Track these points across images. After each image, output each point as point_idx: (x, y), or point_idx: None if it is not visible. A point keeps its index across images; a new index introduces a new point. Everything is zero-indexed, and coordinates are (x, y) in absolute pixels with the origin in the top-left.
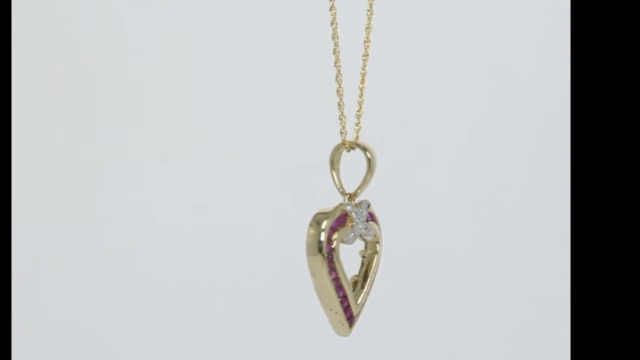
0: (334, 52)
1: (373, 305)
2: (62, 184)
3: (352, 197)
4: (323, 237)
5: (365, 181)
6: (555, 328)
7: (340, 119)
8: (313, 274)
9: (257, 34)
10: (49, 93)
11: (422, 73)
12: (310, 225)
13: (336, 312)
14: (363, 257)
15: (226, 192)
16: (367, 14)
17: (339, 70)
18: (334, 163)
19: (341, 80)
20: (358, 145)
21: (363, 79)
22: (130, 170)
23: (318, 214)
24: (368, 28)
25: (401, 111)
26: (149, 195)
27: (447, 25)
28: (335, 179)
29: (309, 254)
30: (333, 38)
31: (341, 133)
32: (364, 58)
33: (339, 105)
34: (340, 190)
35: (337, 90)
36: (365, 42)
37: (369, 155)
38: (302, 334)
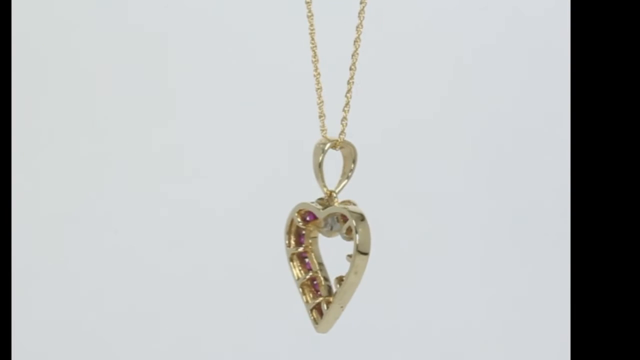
0: (313, 56)
1: (373, 305)
2: (62, 184)
3: (333, 194)
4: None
5: (339, 182)
6: (555, 328)
7: (318, 104)
8: (355, 272)
9: (244, 34)
10: (49, 93)
11: (417, 69)
12: (363, 222)
13: (343, 309)
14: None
15: (226, 191)
16: (359, 16)
17: (316, 68)
18: (314, 158)
19: (319, 77)
20: (334, 142)
21: (352, 75)
22: (131, 170)
23: (361, 213)
24: (359, 28)
25: (399, 108)
26: (149, 195)
27: (443, 20)
28: (323, 177)
29: (365, 252)
30: (311, 43)
31: (322, 130)
32: (354, 56)
33: (318, 103)
34: (325, 188)
35: (316, 90)
36: (355, 41)
37: (343, 153)
38: (299, 333)
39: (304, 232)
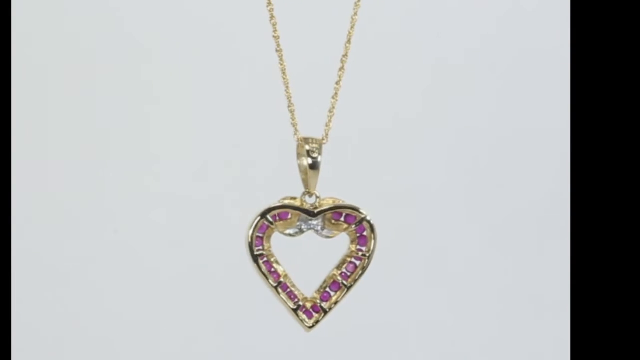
0: (277, 50)
1: (372, 305)
2: (62, 183)
3: (309, 194)
4: None
5: (308, 181)
6: (555, 328)
7: (288, 108)
8: (370, 267)
9: (223, 30)
10: (49, 92)
11: (411, 67)
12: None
13: None
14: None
15: (226, 190)
16: (351, 18)
17: (283, 67)
18: (297, 158)
19: (285, 72)
20: (301, 142)
21: (340, 79)
22: (131, 170)
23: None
24: (351, 32)
25: (399, 108)
26: (149, 195)
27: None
28: (300, 173)
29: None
30: (276, 40)
31: (292, 125)
32: (343, 59)
33: (285, 92)
34: (310, 188)
35: (284, 81)
36: (346, 44)
37: (301, 151)
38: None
39: (261, 235)
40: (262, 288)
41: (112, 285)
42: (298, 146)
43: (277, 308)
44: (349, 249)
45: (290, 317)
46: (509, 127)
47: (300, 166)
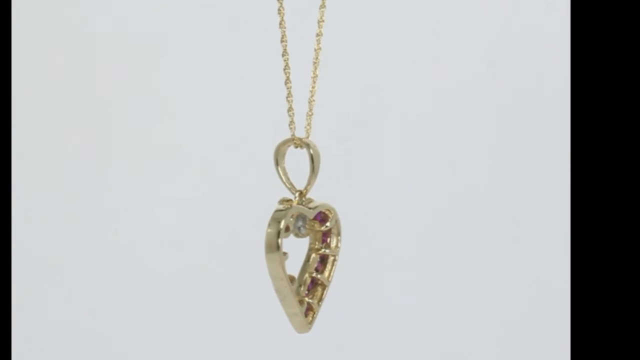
0: (283, 55)
1: (371, 305)
2: (63, 183)
3: (302, 194)
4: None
5: (309, 181)
6: (555, 328)
7: (288, 111)
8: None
9: (216, 30)
10: (50, 92)
11: (410, 64)
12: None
13: None
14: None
15: (224, 190)
16: (318, 24)
17: (287, 63)
18: (279, 159)
19: (289, 73)
20: (303, 142)
21: (314, 81)
22: (131, 170)
23: None
24: (319, 33)
25: (397, 105)
26: (149, 196)
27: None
28: (282, 174)
29: None
30: (282, 40)
31: (290, 128)
32: (315, 63)
33: (287, 98)
34: (290, 187)
35: (285, 83)
36: (317, 47)
37: (311, 152)
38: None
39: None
40: (260, 288)
41: (112, 285)
42: (285, 146)
43: (277, 308)
44: (311, 245)
45: (286, 317)
46: (509, 126)
47: (282, 168)
